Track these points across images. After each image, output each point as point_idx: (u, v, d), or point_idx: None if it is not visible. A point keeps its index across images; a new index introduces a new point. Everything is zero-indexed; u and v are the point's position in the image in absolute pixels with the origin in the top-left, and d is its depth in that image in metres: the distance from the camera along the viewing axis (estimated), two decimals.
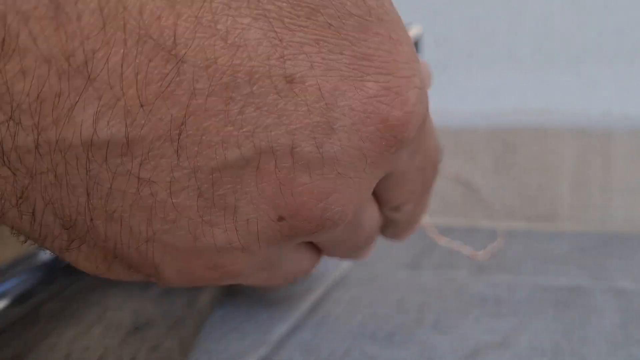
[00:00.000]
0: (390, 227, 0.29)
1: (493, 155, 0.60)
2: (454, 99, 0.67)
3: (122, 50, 0.15)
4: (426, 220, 0.47)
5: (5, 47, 0.15)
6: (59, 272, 0.30)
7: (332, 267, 0.45)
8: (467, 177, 0.60)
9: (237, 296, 0.38)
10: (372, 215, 0.24)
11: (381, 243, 0.54)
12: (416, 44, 0.33)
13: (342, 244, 0.24)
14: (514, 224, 0.59)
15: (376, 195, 0.24)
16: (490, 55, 0.65)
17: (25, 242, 0.20)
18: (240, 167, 0.17)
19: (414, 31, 0.32)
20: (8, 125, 0.15)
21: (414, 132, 0.20)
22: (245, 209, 0.18)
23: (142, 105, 0.16)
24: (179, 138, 0.16)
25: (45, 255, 0.30)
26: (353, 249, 0.26)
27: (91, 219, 0.17)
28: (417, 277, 0.43)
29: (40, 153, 0.16)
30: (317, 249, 0.26)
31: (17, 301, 0.27)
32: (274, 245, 0.20)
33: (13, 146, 0.16)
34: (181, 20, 0.16)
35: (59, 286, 0.33)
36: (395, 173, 0.22)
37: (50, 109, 0.15)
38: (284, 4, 0.17)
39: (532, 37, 0.63)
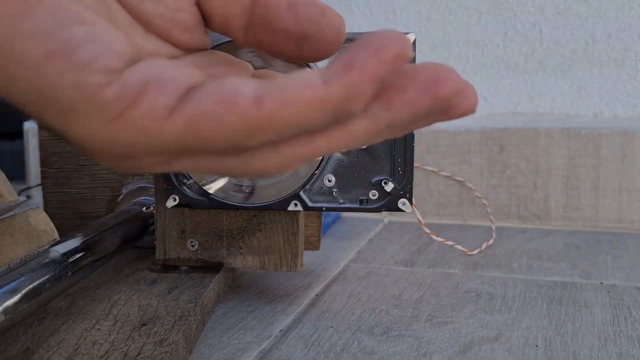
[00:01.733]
0: None
1: (487, 156, 0.61)
2: None
3: None
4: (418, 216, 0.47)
5: None
6: (68, 269, 0.31)
7: (332, 265, 0.46)
8: (462, 178, 0.61)
9: (239, 292, 0.39)
10: None
11: (380, 242, 0.55)
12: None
13: None
14: (508, 222, 0.60)
15: None
16: (484, 60, 0.66)
17: None
18: None
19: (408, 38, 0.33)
20: None
21: None
22: None
23: None
24: None
25: (54, 253, 0.31)
26: None
27: None
28: (413, 274, 0.44)
29: None
30: None
31: (26, 298, 0.28)
32: None
33: None
34: None
35: (67, 283, 0.33)
36: None
37: None
38: None
39: (524, 43, 0.64)
